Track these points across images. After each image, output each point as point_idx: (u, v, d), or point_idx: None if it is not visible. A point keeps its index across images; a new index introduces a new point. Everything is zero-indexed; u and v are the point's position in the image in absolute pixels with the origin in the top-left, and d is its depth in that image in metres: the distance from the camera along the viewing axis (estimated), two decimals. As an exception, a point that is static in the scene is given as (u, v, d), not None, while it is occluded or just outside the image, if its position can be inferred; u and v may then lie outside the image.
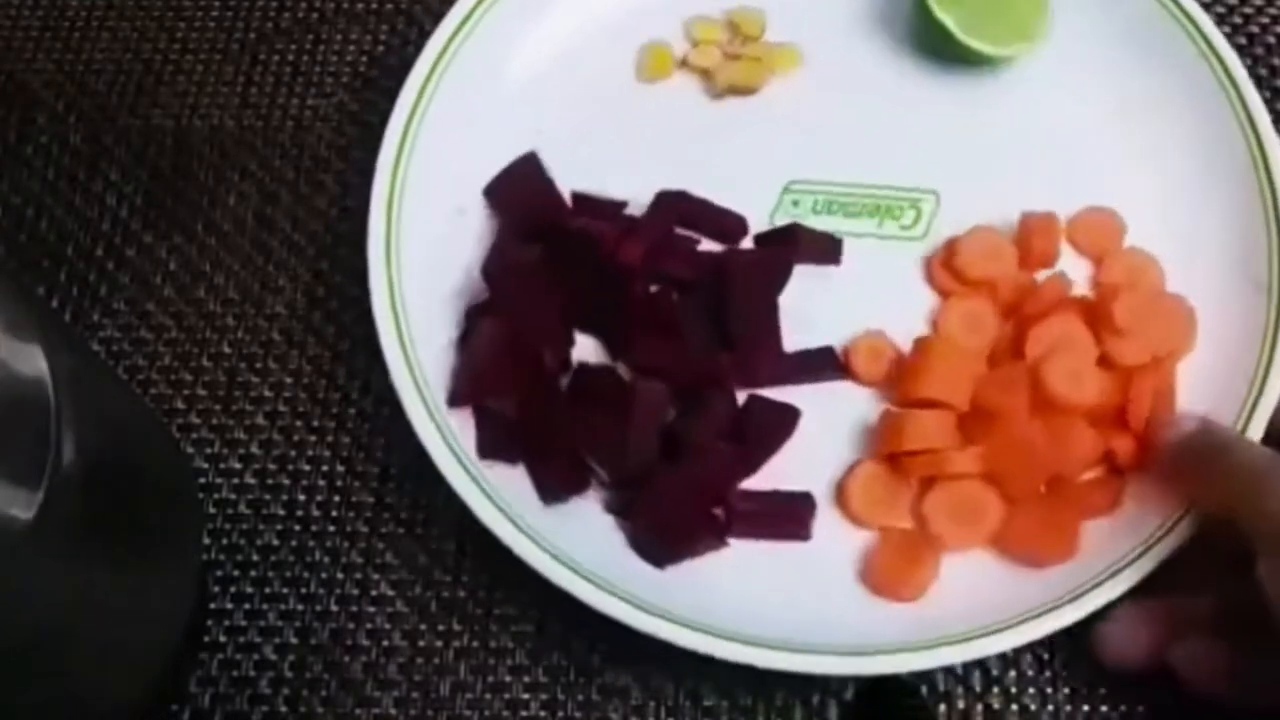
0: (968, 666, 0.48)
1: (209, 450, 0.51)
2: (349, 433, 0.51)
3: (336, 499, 0.50)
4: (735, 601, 0.46)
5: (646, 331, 0.50)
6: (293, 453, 0.51)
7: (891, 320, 0.51)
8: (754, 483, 0.49)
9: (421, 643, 0.48)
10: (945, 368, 0.49)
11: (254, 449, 0.51)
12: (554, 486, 0.48)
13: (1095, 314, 0.50)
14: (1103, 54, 0.56)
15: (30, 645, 0.35)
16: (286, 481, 0.51)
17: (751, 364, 0.50)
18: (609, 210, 0.53)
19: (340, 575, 0.49)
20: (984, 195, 0.53)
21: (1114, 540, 0.46)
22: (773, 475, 0.49)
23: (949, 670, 0.47)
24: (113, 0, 0.61)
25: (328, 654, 0.48)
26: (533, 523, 0.46)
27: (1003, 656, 0.47)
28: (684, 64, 0.56)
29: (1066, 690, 0.47)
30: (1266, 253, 0.51)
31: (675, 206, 0.53)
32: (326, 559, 0.49)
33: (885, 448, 0.48)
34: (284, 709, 0.47)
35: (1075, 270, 0.52)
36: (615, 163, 0.54)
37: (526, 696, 0.47)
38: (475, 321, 0.50)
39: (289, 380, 0.52)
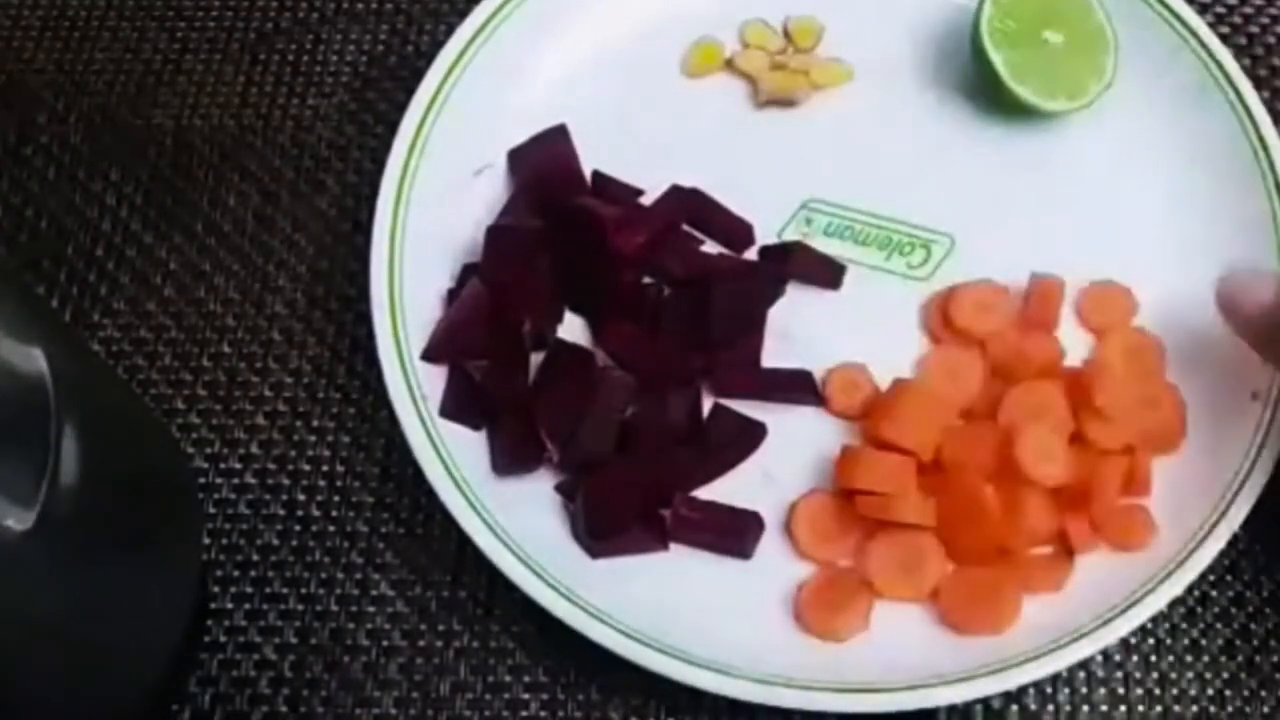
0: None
1: (209, 450, 0.51)
2: (349, 433, 0.51)
3: (336, 499, 0.50)
4: (665, 608, 0.46)
5: (627, 320, 0.50)
6: (293, 453, 0.51)
7: (877, 356, 0.50)
8: (707, 492, 0.48)
9: (421, 643, 0.48)
10: (916, 414, 0.48)
11: (254, 449, 0.51)
12: (507, 457, 0.48)
13: (1079, 390, 0.48)
14: (1150, 127, 0.55)
15: (30, 644, 0.35)
16: (286, 481, 0.51)
17: (724, 372, 0.50)
18: (624, 194, 0.53)
19: (340, 575, 0.49)
20: (1000, 248, 0.52)
21: (1051, 621, 0.45)
22: (728, 489, 0.49)
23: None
24: (113, 0, 0.61)
25: (328, 654, 0.48)
26: (480, 493, 0.47)
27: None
28: (729, 65, 0.56)
29: (1067, 690, 0.47)
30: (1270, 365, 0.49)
31: (685, 203, 0.53)
32: (326, 559, 0.49)
33: (839, 482, 0.48)
34: (284, 709, 0.47)
35: (1078, 340, 0.51)
36: (642, 150, 0.54)
37: (526, 696, 0.47)
38: (465, 277, 0.50)
39: (289, 380, 0.52)
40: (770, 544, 0.48)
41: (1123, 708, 0.47)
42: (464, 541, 0.49)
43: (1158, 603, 0.45)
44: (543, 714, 0.47)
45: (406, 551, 0.49)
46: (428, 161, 0.53)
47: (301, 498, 0.50)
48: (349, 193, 0.56)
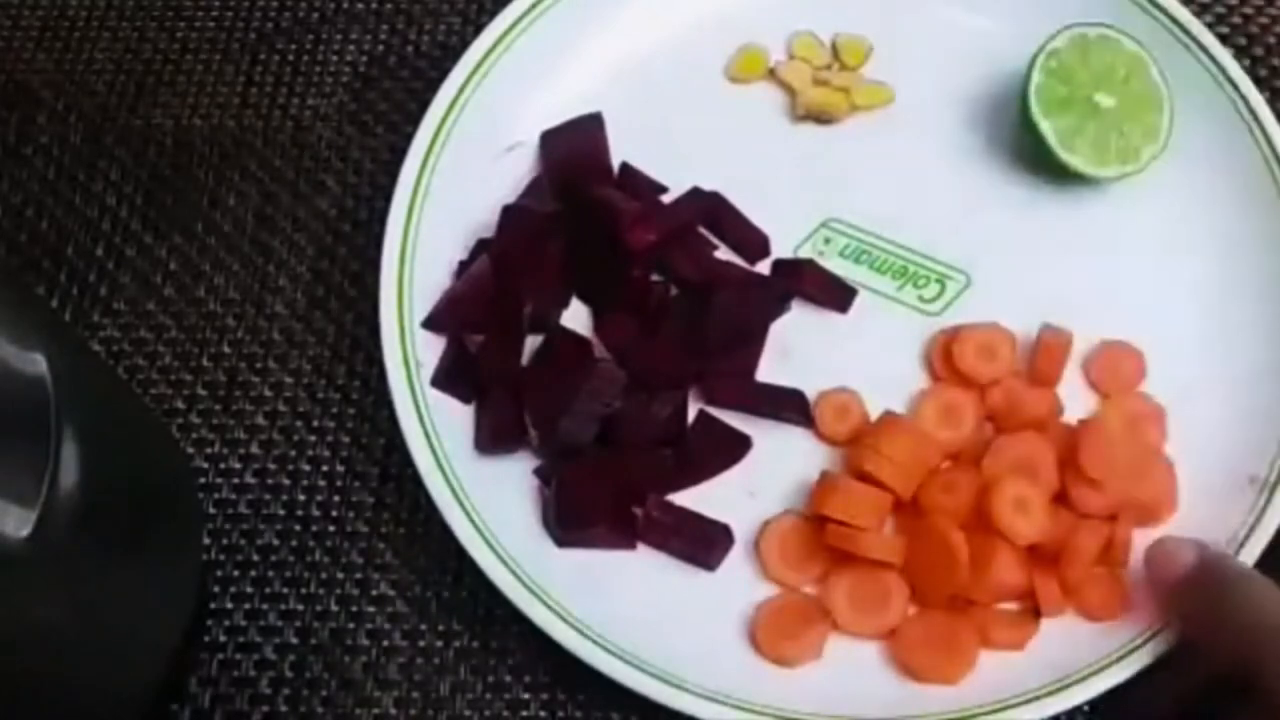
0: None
1: (209, 450, 0.51)
2: (349, 433, 0.51)
3: (336, 499, 0.50)
4: (624, 608, 0.46)
5: (629, 315, 0.50)
6: (293, 453, 0.51)
7: (875, 385, 0.50)
8: (684, 499, 0.48)
9: (421, 643, 0.48)
10: (901, 451, 0.47)
11: (254, 449, 0.51)
12: (490, 435, 0.48)
13: (1069, 448, 0.47)
14: (1194, 195, 0.53)
15: (30, 644, 0.35)
16: (286, 481, 0.51)
17: (716, 380, 0.49)
18: (646, 189, 0.53)
19: (340, 575, 0.49)
20: (1015, 293, 0.51)
21: (1006, 678, 0.44)
22: (706, 498, 0.48)
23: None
24: (113, 0, 0.61)
25: (328, 654, 0.48)
26: (460, 470, 0.47)
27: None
28: (772, 74, 0.56)
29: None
30: (1272, 453, 0.48)
31: (704, 206, 0.52)
32: (326, 559, 0.49)
33: (812, 507, 0.47)
34: (284, 709, 0.47)
35: (1082, 398, 0.50)
36: (673, 147, 0.54)
37: (526, 696, 0.47)
38: (478, 252, 0.51)
39: (289, 380, 0.52)
40: (738, 560, 0.48)
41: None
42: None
43: (1119, 675, 0.44)
44: (543, 714, 0.47)
45: (406, 551, 0.49)
46: (461, 130, 0.53)
47: (301, 498, 0.50)
48: (349, 193, 0.56)
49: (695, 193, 0.53)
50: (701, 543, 0.47)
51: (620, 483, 0.47)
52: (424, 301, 0.50)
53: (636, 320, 0.50)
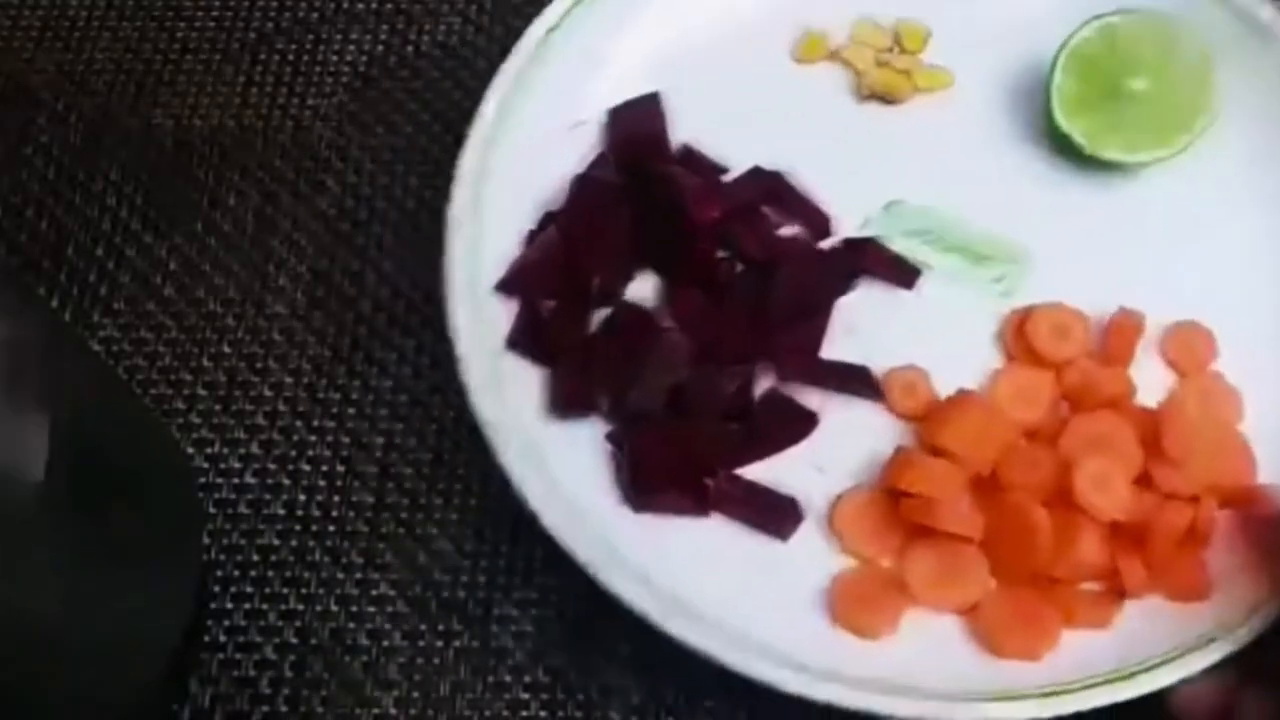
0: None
1: (209, 450, 0.51)
2: (349, 433, 0.51)
3: (336, 499, 0.50)
4: (697, 576, 0.45)
5: (696, 289, 0.50)
6: (293, 453, 0.51)
7: (942, 364, 0.49)
8: (754, 472, 0.48)
9: (421, 643, 0.48)
10: (977, 426, 0.46)
11: (254, 449, 0.51)
12: (561, 399, 0.48)
13: (1149, 429, 0.47)
14: (1253, 166, 0.53)
15: (30, 645, 0.35)
16: (286, 481, 0.51)
17: (782, 355, 0.49)
18: (709, 168, 0.53)
19: (340, 575, 0.49)
20: (1082, 274, 0.51)
21: (1088, 657, 0.44)
22: (775, 472, 0.48)
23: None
24: (113, 0, 0.61)
25: (328, 654, 0.48)
26: (531, 433, 0.47)
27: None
28: (835, 55, 0.56)
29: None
30: None
31: (767, 184, 0.52)
32: (326, 559, 0.49)
33: (887, 480, 0.47)
34: (284, 709, 0.47)
35: (1156, 378, 0.49)
36: (738, 125, 0.54)
37: (526, 696, 0.47)
38: (546, 223, 0.51)
39: (289, 380, 0.52)
40: (811, 533, 0.47)
41: None
42: (463, 541, 0.49)
43: (1205, 659, 0.43)
44: (543, 714, 0.47)
45: (406, 551, 0.49)
46: (525, 106, 0.52)
47: (301, 498, 0.50)
48: (349, 193, 0.56)
49: (757, 171, 0.53)
50: (771, 514, 0.47)
51: (688, 453, 0.47)
52: (490, 270, 0.50)
53: (703, 294, 0.50)
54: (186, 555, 0.46)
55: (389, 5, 0.61)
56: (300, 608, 0.49)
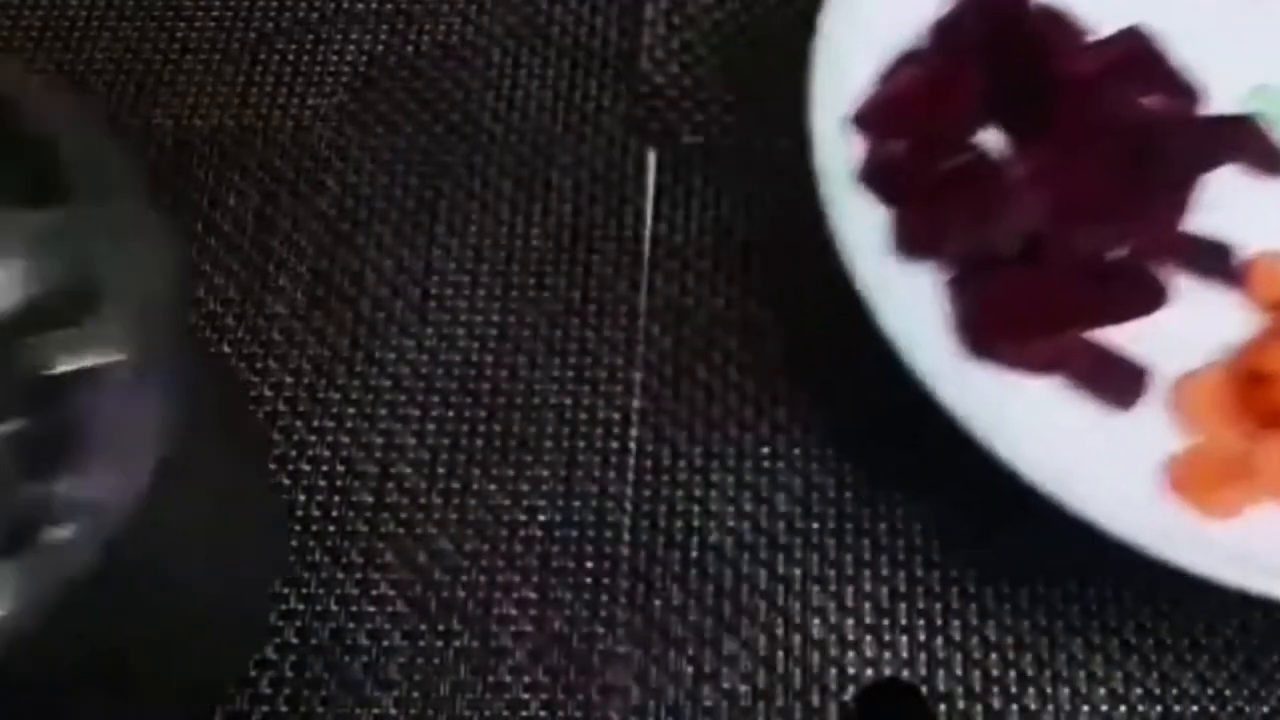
0: (967, 666, 0.48)
1: (209, 450, 0.51)
2: (349, 433, 0.51)
3: (336, 499, 0.50)
4: (1029, 435, 0.44)
5: (1054, 144, 0.49)
6: (293, 453, 0.51)
7: None
8: (1100, 338, 0.46)
9: (421, 643, 0.48)
10: None
11: (254, 449, 0.51)
12: (908, 238, 0.47)
13: None
14: None
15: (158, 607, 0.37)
16: (287, 481, 0.51)
17: (1139, 225, 0.48)
18: (1070, 30, 0.51)
19: (340, 575, 0.49)
20: None
21: None
22: (1114, 341, 0.46)
23: (949, 670, 0.47)
24: (113, 0, 0.61)
25: (328, 654, 0.48)
26: (877, 270, 0.46)
27: (1003, 656, 0.47)
28: None
29: (1067, 690, 0.47)
30: None
31: (1136, 46, 0.51)
32: (326, 559, 0.49)
33: (1248, 360, 0.44)
34: (284, 709, 0.47)
35: None
36: None
37: (526, 696, 0.47)
38: (904, 63, 0.50)
39: (289, 380, 0.52)
40: (1153, 407, 0.46)
41: (1123, 708, 0.47)
42: (463, 541, 0.49)
43: None
44: (543, 714, 0.47)
45: (406, 551, 0.49)
46: None
47: (302, 498, 0.50)
48: (349, 193, 0.56)
49: (1129, 32, 0.51)
50: (1118, 380, 0.46)
51: (1042, 303, 0.47)
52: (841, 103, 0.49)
53: (1061, 150, 0.49)
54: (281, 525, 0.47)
55: (389, 5, 0.61)
56: (300, 608, 0.49)
